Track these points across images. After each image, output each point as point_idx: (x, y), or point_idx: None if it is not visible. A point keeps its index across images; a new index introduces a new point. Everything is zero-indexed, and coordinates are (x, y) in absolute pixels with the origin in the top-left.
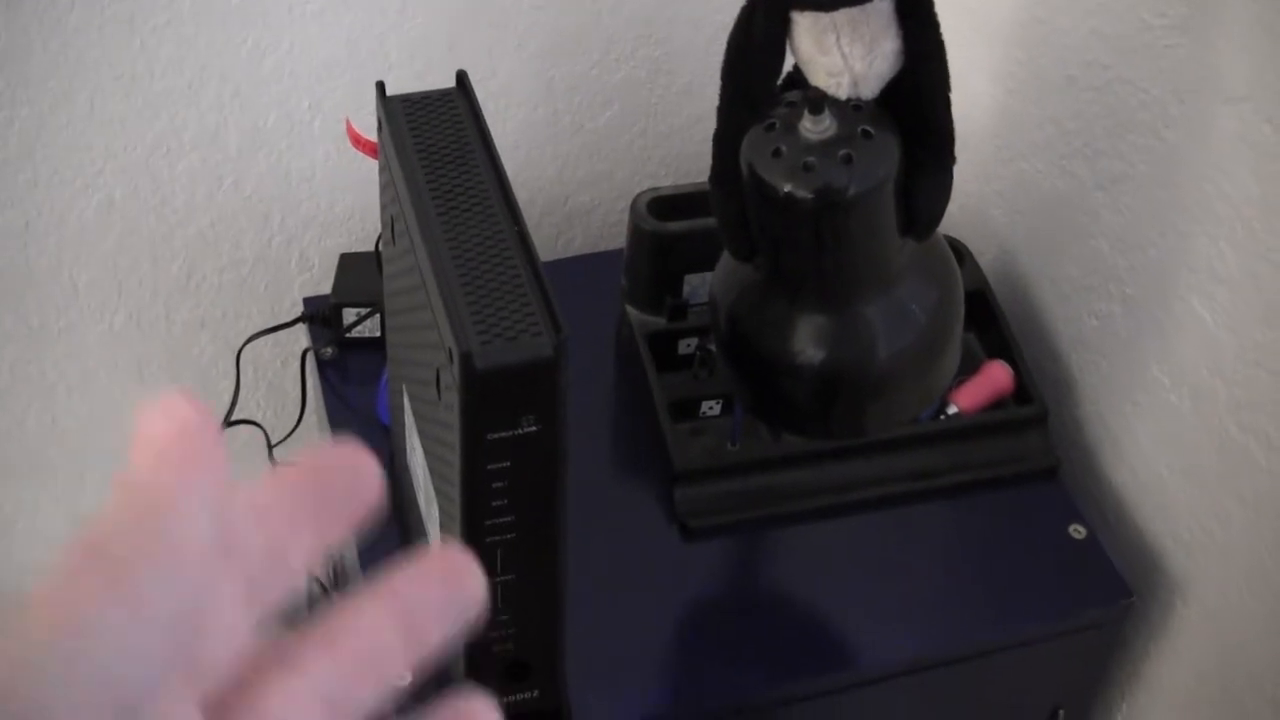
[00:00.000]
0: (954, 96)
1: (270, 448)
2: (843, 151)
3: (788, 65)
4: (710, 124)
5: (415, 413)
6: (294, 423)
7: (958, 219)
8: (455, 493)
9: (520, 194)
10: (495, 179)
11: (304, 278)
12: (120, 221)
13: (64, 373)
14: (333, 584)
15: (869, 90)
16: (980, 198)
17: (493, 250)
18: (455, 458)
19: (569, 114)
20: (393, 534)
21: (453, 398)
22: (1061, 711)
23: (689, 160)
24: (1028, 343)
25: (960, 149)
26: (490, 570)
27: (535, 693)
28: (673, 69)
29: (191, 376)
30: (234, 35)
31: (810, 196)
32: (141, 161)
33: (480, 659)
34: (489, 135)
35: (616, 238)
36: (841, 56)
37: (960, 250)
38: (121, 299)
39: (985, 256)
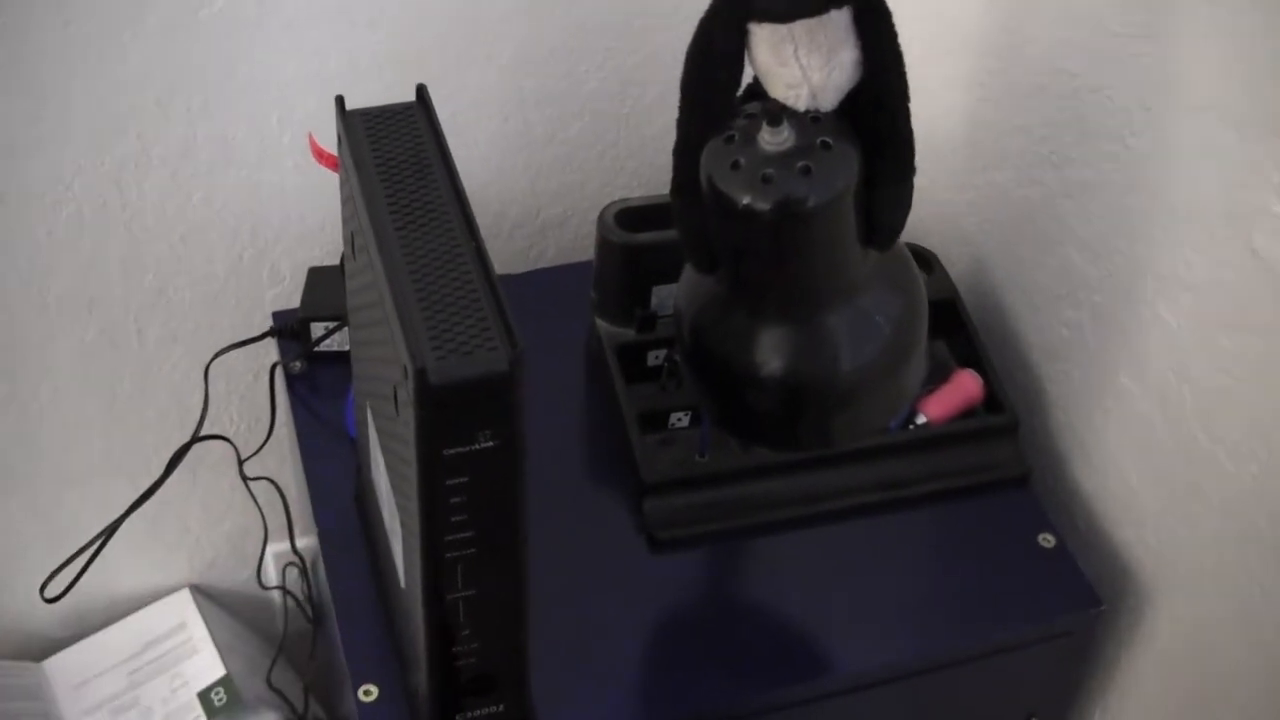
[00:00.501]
0: (926, 107)
1: (240, 462)
2: (801, 163)
3: (747, 77)
4: None
5: (378, 428)
6: (265, 435)
7: (929, 228)
8: (414, 508)
9: (492, 206)
10: (453, 193)
11: (275, 291)
12: (90, 236)
13: (36, 388)
14: (307, 588)
15: (828, 102)
16: (952, 207)
17: (449, 265)
18: (413, 473)
19: (541, 125)
20: (360, 546)
21: (409, 413)
22: (1034, 719)
23: (662, 171)
24: (998, 352)
25: (932, 159)
26: (451, 586)
27: (500, 706)
28: (644, 80)
29: (164, 391)
30: (201, 50)
31: (769, 208)
32: (111, 176)
33: (444, 674)
34: (447, 150)
35: (589, 249)
36: (800, 68)
37: (929, 259)
38: (93, 314)
39: (957, 266)
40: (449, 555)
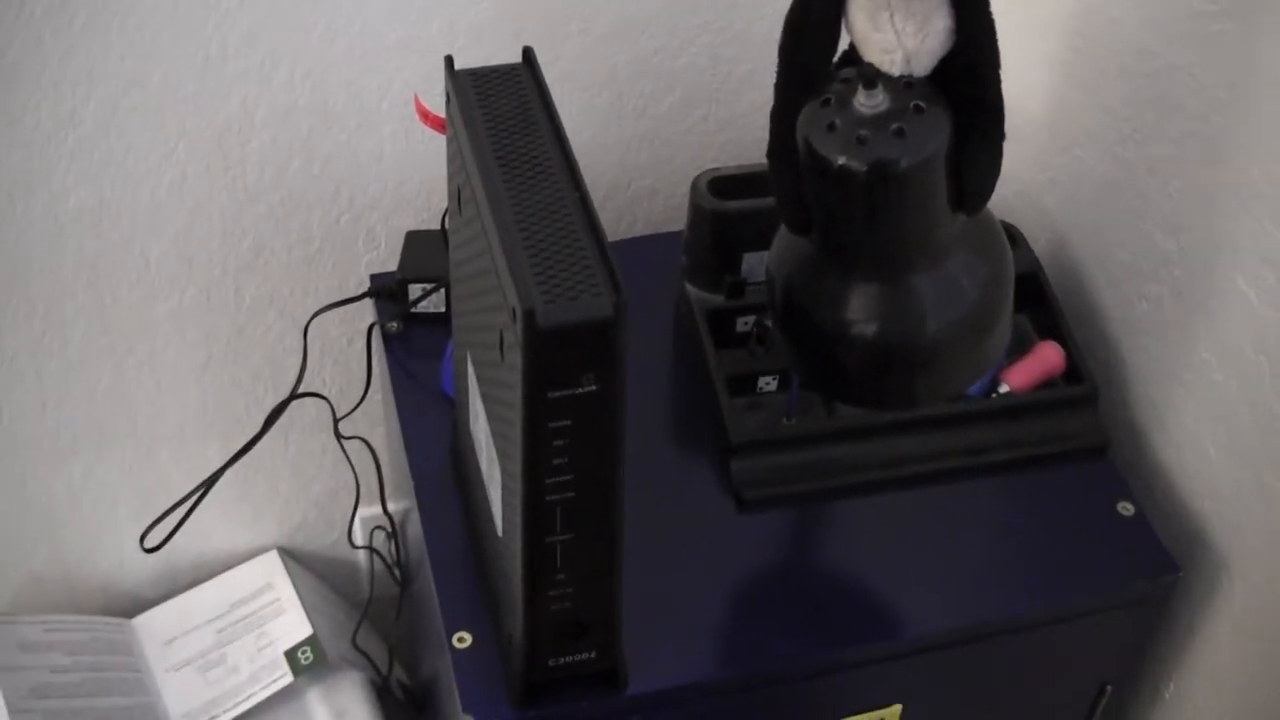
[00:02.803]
0: (1008, 86)
1: (336, 420)
2: (895, 125)
3: (843, 43)
4: (769, 110)
5: (480, 378)
6: (360, 396)
7: (1012, 204)
8: (517, 452)
9: (584, 176)
10: (559, 148)
11: (370, 255)
12: (192, 199)
13: (134, 347)
14: (395, 551)
15: (921, 67)
16: (1034, 185)
17: (556, 215)
18: (517, 417)
19: (632, 99)
20: (455, 500)
21: (516, 357)
22: (1109, 687)
23: (749, 146)
24: (1078, 325)
25: (1015, 138)
26: (550, 529)
27: (592, 653)
28: (734, 56)
29: (259, 351)
30: (306, 17)
31: (864, 169)
32: (213, 140)
33: (539, 618)
34: (553, 107)
35: (677, 221)
36: (895, 34)
37: (1014, 234)
38: (191, 275)
39: (1038, 242)
40: (549, 498)
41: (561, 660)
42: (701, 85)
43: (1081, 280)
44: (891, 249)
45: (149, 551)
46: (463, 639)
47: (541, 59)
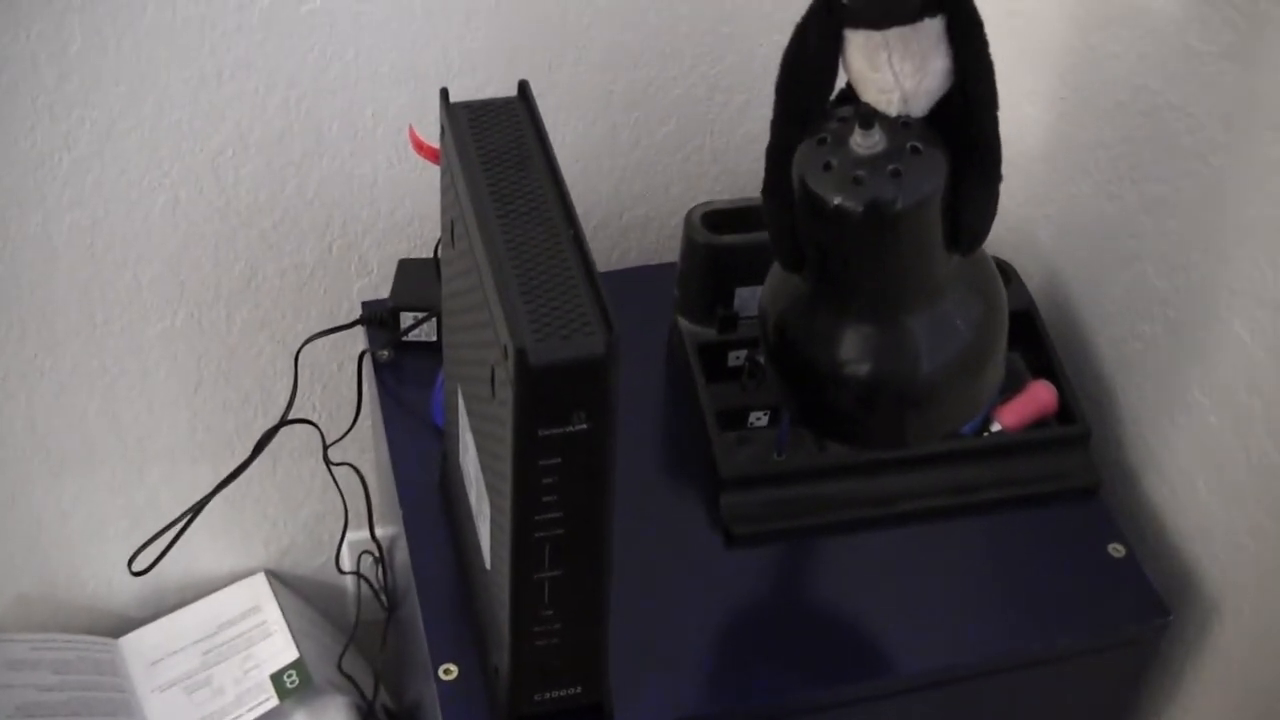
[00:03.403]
0: (1005, 121)
1: (325, 447)
2: (891, 166)
3: (840, 82)
4: (766, 143)
5: (469, 411)
6: (350, 422)
7: (1006, 241)
8: (507, 488)
9: (576, 206)
10: (553, 184)
11: (362, 282)
12: (185, 222)
13: (125, 368)
14: (382, 577)
15: (918, 107)
16: (1029, 221)
17: (549, 252)
18: (507, 453)
19: (627, 128)
20: (443, 530)
21: (507, 394)
22: None
23: (744, 177)
24: (1072, 363)
25: (1010, 173)
26: (538, 565)
27: (578, 689)
28: (730, 86)
29: (249, 376)
30: (301, 42)
31: (859, 209)
32: (207, 163)
33: (525, 653)
34: (548, 142)
35: (670, 252)
36: (892, 74)
37: (1007, 271)
38: (183, 298)
39: (1033, 279)
40: (538, 535)
41: (548, 695)
42: (697, 116)
43: (1075, 318)
44: (886, 289)
45: (137, 575)
46: (449, 670)
47: (536, 87)
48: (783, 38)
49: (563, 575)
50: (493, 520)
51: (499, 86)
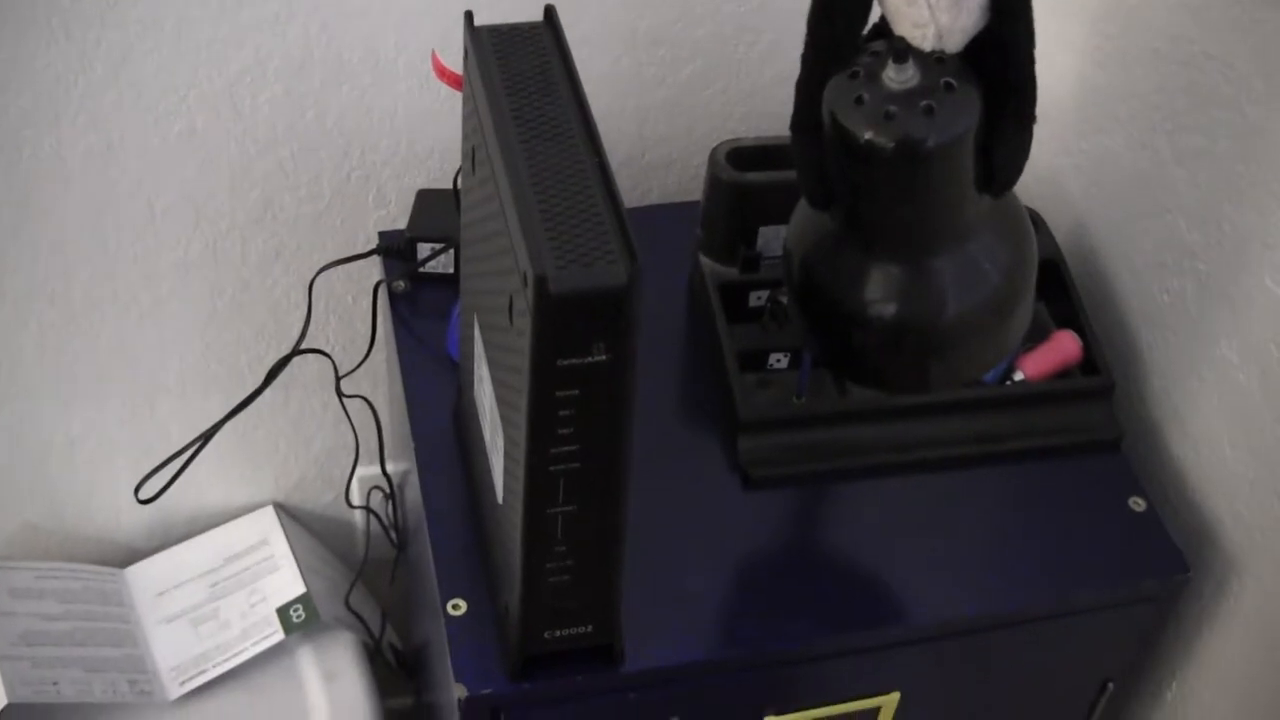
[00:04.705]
0: (1037, 69)
1: (338, 378)
2: (924, 102)
3: (874, 15)
4: (793, 84)
5: (486, 342)
6: (363, 354)
7: (1034, 190)
8: (522, 420)
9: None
10: (578, 111)
11: (380, 214)
12: (201, 149)
13: (137, 296)
14: (392, 513)
15: (953, 43)
16: (1058, 170)
17: (572, 180)
18: (524, 384)
19: (652, 66)
20: (456, 465)
21: (525, 323)
22: (1111, 685)
23: (769, 119)
24: (1097, 315)
25: (1041, 121)
26: (552, 500)
27: (589, 627)
28: (758, 26)
29: (262, 306)
30: None
31: (890, 145)
32: (225, 90)
33: (537, 590)
34: (574, 69)
35: (691, 193)
36: (928, 8)
37: (1035, 220)
38: (198, 226)
39: (1060, 229)
40: (553, 468)
41: (558, 633)
42: (723, 55)
43: (1102, 269)
44: (914, 229)
45: (144, 503)
46: (457, 606)
47: (561, 20)
48: None
49: (577, 510)
50: (506, 454)
51: (523, 17)
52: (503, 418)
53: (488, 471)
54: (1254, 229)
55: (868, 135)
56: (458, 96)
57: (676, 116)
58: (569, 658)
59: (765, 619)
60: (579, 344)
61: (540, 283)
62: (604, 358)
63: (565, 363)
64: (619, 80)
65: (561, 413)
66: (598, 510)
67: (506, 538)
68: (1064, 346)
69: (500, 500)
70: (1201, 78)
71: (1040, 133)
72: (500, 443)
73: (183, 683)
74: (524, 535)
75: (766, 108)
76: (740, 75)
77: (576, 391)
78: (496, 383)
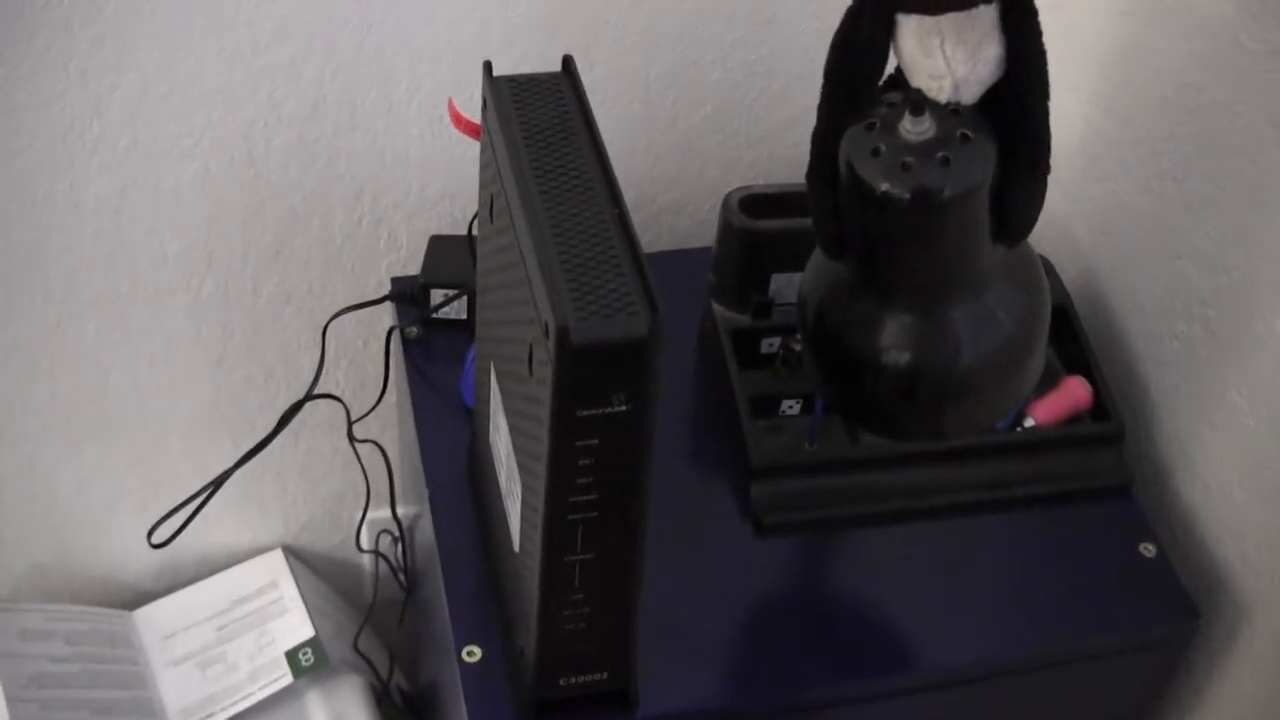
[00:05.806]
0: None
1: (350, 423)
2: (940, 154)
3: (890, 67)
4: (803, 129)
5: (504, 390)
6: (375, 399)
7: (1043, 235)
8: (541, 469)
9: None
10: (598, 161)
11: (391, 258)
12: (214, 192)
13: (148, 338)
14: (402, 557)
15: (969, 95)
16: (1067, 215)
17: (592, 230)
18: (544, 433)
19: (663, 110)
20: (469, 510)
21: (545, 373)
22: None
23: (780, 164)
24: (1107, 360)
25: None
26: (570, 548)
27: (604, 674)
28: (769, 71)
29: (273, 349)
30: (338, 13)
31: (906, 196)
32: (239, 134)
33: (553, 637)
34: (593, 119)
35: (702, 237)
36: (945, 60)
37: (1045, 266)
38: (210, 268)
39: (1069, 274)
40: (571, 517)
41: (573, 679)
42: (734, 100)
43: (1111, 315)
44: (929, 278)
45: (156, 548)
46: (472, 652)
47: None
48: (822, 24)
49: (594, 558)
50: (524, 501)
51: (535, 64)
52: (520, 465)
53: (503, 517)
54: (1262, 275)
55: (884, 186)
56: (469, 141)
57: (688, 160)
58: (584, 703)
59: (778, 665)
60: (600, 394)
61: (562, 333)
62: (624, 408)
63: (585, 413)
64: (631, 123)
65: (581, 462)
66: (615, 558)
67: (523, 584)
68: (1074, 392)
69: (517, 547)
70: (1211, 125)
71: (1050, 178)
72: (517, 490)
73: None
74: (541, 582)
75: (777, 152)
76: (751, 120)
77: (596, 441)
78: (514, 430)
